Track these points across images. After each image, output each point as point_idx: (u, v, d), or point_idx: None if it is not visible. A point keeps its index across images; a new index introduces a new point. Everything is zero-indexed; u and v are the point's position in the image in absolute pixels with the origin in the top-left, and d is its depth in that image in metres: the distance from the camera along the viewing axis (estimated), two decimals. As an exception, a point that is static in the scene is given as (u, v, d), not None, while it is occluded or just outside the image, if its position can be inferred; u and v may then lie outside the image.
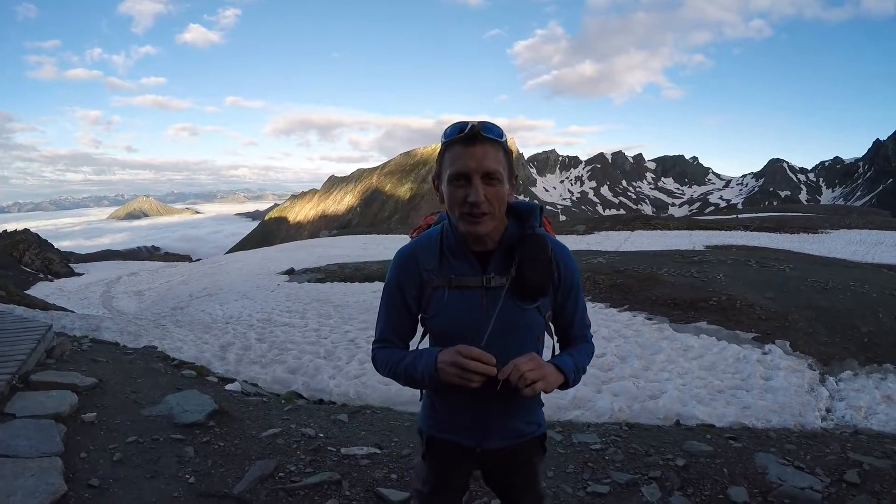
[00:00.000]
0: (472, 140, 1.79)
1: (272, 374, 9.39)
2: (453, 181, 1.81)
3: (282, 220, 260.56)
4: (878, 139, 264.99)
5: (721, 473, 4.43)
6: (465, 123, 1.81)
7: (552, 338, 2.12)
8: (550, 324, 2.08)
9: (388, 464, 4.40)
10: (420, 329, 2.11)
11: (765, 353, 10.61)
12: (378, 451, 4.64)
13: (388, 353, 2.04)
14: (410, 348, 2.09)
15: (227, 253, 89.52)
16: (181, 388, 6.03)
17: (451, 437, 2.10)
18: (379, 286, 17.69)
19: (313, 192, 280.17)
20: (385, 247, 37.24)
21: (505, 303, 1.89)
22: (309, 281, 23.01)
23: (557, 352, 2.10)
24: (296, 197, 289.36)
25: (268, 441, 4.70)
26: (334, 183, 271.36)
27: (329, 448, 4.62)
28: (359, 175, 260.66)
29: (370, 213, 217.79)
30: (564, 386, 1.92)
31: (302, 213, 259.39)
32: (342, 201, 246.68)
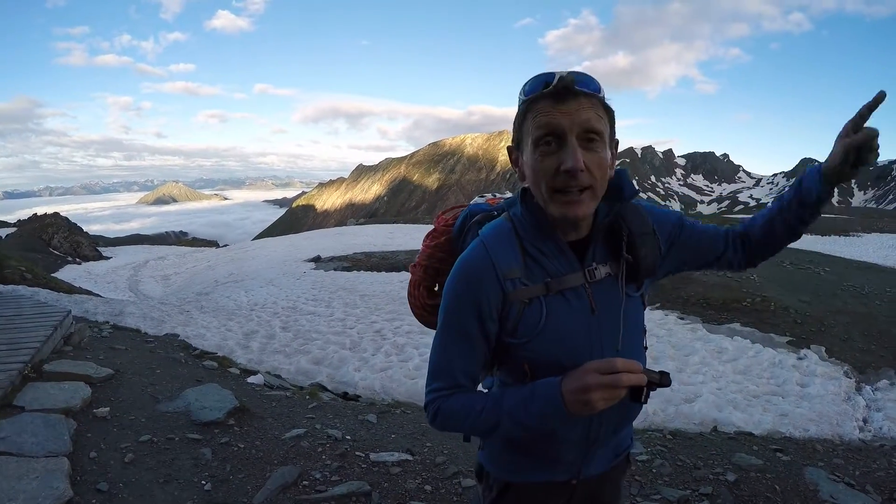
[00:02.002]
0: (564, 94, 1.36)
1: (296, 364, 9.26)
2: (541, 144, 1.37)
3: (309, 208, 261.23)
4: None
5: (773, 490, 4.22)
6: (551, 74, 1.39)
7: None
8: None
9: (422, 473, 4.15)
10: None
11: (800, 359, 10.39)
12: (410, 457, 4.39)
13: (462, 400, 1.49)
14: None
15: (253, 239, 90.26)
16: (201, 380, 5.88)
17: (542, 478, 1.64)
18: (406, 276, 17.55)
19: (341, 180, 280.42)
20: (412, 236, 37.05)
21: (615, 296, 1.50)
22: (335, 269, 22.96)
23: None
24: (323, 185, 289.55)
25: (291, 443, 4.47)
26: (362, 172, 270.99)
27: (357, 453, 4.38)
28: (386, 164, 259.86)
29: (397, 203, 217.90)
30: None
31: (329, 201, 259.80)
32: (369, 190, 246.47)
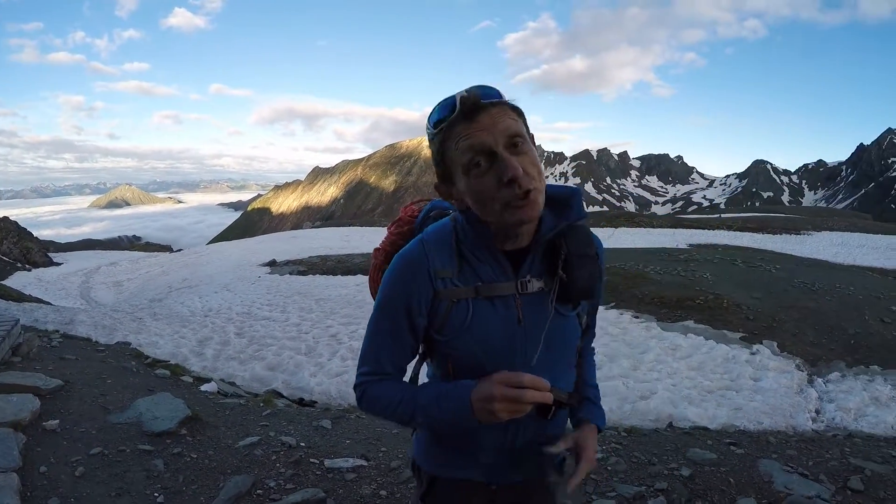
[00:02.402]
0: (474, 111, 1.36)
1: (251, 371, 9.14)
2: (472, 167, 1.37)
3: (265, 211, 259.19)
4: (861, 143, 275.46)
5: (728, 483, 4.30)
6: (452, 98, 1.39)
7: (580, 343, 1.72)
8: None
9: (377, 478, 4.11)
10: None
11: (753, 354, 10.61)
12: (365, 462, 4.35)
13: (385, 387, 1.56)
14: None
15: (208, 244, 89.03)
16: (153, 389, 5.76)
17: (462, 475, 1.68)
18: (362, 279, 17.48)
19: (297, 182, 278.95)
20: (368, 239, 36.98)
21: (545, 312, 1.51)
22: (291, 273, 22.77)
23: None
24: (279, 187, 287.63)
25: (245, 452, 4.40)
26: (318, 174, 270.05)
27: (311, 460, 4.32)
28: (343, 166, 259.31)
29: (354, 205, 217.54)
30: None
31: (285, 203, 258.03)
32: (326, 193, 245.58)
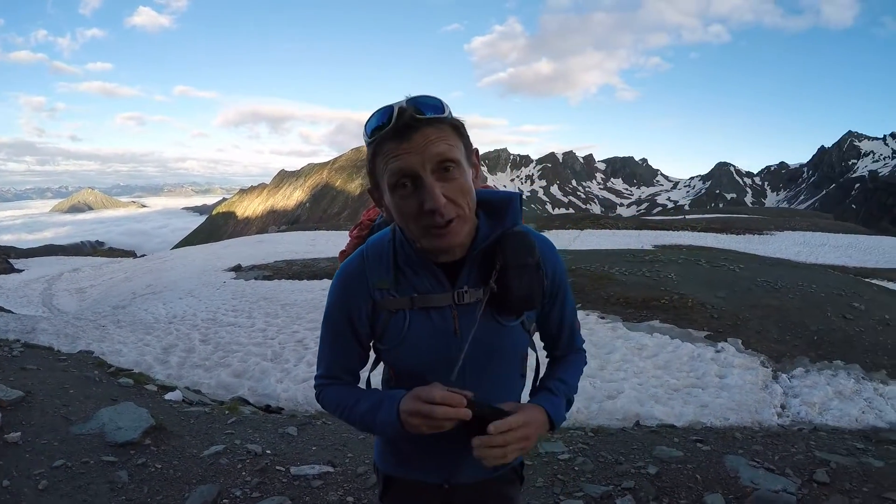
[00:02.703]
0: (406, 129, 1.31)
1: (216, 378, 9.02)
2: (397, 188, 1.34)
3: (230, 215, 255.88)
4: (822, 146, 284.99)
5: (694, 480, 4.36)
6: (389, 108, 1.34)
7: (535, 352, 1.72)
8: (534, 337, 1.69)
9: (343, 484, 4.08)
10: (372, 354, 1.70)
11: (718, 352, 10.73)
12: (331, 469, 4.32)
13: (338, 392, 1.62)
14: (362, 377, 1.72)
15: (172, 248, 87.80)
16: (116, 399, 5.65)
17: (414, 476, 1.72)
18: (328, 284, 17.40)
19: (262, 186, 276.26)
20: (334, 243, 36.67)
21: (482, 322, 1.49)
22: (256, 278, 22.55)
23: (543, 367, 1.75)
24: (244, 191, 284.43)
25: (210, 461, 4.33)
26: (284, 177, 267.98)
27: (277, 467, 4.28)
28: (309, 170, 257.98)
29: (319, 209, 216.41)
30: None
31: (250, 207, 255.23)
32: (291, 196, 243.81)
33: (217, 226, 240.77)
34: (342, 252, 1.87)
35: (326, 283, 17.55)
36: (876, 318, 13.30)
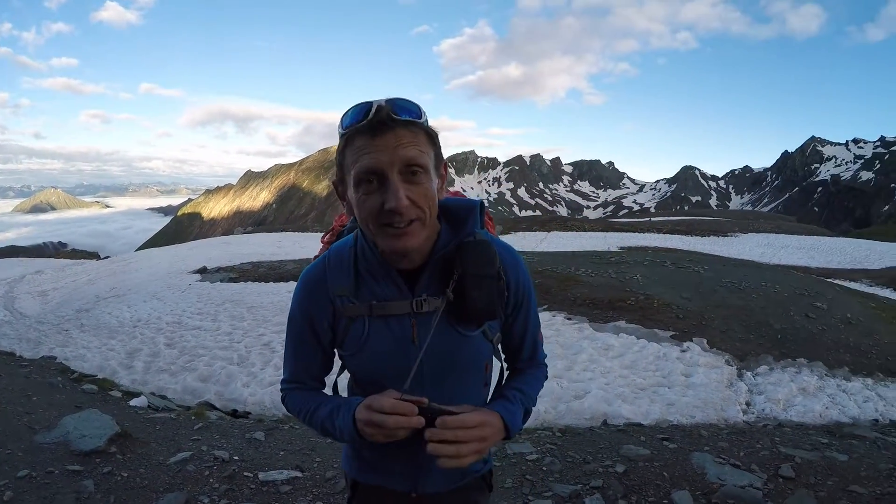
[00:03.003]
0: (381, 127, 1.33)
1: (182, 383, 8.88)
2: (362, 184, 1.35)
3: (195, 216, 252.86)
4: (786, 150, 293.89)
5: (662, 477, 4.42)
6: (367, 104, 1.35)
7: (500, 361, 1.73)
8: (499, 346, 1.67)
9: (312, 489, 4.06)
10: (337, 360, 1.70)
11: (683, 351, 10.89)
12: (300, 474, 4.29)
13: (302, 397, 1.63)
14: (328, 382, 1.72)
15: (137, 250, 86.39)
16: (81, 406, 5.57)
17: (380, 483, 1.70)
18: (294, 286, 17.29)
19: (228, 186, 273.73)
20: (301, 245, 36.40)
21: (439, 331, 1.48)
22: (222, 280, 22.27)
23: (506, 376, 1.73)
24: (210, 192, 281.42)
25: (177, 468, 4.27)
26: (250, 178, 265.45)
27: (245, 474, 4.23)
28: (276, 171, 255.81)
29: (286, 210, 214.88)
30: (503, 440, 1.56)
31: (216, 208, 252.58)
32: (258, 197, 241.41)
33: (182, 227, 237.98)
34: (315, 258, 1.83)
35: (293, 286, 17.35)
36: (838, 317, 13.65)
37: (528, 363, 1.73)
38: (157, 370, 9.86)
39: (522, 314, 1.65)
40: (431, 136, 1.41)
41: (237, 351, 10.71)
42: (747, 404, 8.80)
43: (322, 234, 1.90)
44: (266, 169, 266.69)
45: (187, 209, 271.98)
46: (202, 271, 25.79)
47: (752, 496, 4.10)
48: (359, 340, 1.52)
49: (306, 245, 34.28)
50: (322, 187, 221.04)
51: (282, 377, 1.71)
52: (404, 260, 1.47)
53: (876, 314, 14.76)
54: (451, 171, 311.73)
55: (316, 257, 1.80)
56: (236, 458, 4.54)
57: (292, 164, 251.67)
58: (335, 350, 1.63)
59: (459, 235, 1.52)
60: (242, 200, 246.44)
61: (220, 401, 7.92)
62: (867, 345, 12.22)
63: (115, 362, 10.33)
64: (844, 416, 8.50)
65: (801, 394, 9.29)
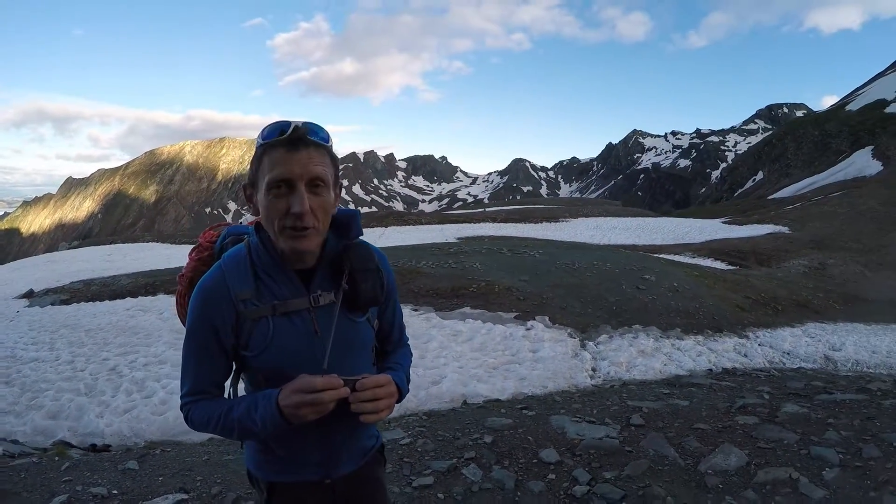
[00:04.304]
0: (297, 143, 1.58)
1: (31, 423, 8.14)
2: (273, 189, 1.58)
3: (13, 233, 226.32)
4: (610, 142, 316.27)
5: (528, 441, 4.85)
6: (286, 123, 1.59)
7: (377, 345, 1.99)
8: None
9: (202, 508, 4.01)
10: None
11: (528, 329, 11.55)
12: (185, 496, 4.22)
13: (207, 406, 1.72)
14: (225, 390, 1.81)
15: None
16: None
17: (296, 478, 1.84)
18: (132, 302, 16.22)
19: (49, 196, 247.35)
20: (133, 257, 33.63)
21: (339, 320, 1.72)
22: (53, 304, 20.34)
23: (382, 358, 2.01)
24: (28, 203, 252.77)
25: (57, 515, 4.03)
26: (72, 186, 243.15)
27: (129, 506, 4.09)
28: (99, 176, 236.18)
29: (113, 220, 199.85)
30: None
31: (37, 222, 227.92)
32: (81, 207, 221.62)
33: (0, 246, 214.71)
34: (181, 276, 1.98)
35: (130, 303, 16.34)
36: (666, 287, 15.13)
37: (397, 345, 2.04)
38: (1, 413, 9.09)
39: (392, 304, 1.97)
40: (334, 159, 1.68)
41: (83, 380, 9.96)
42: (593, 370, 9.60)
43: (191, 251, 2.01)
44: (88, 175, 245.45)
45: (3, 225, 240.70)
46: (29, 295, 23.53)
47: (610, 444, 4.64)
48: (265, 339, 1.67)
49: (139, 257, 32.00)
50: (149, 193, 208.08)
51: (181, 393, 1.76)
52: (300, 261, 1.70)
53: (700, 281, 16.50)
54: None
55: (182, 275, 1.98)
56: (115, 491, 4.38)
57: (117, 169, 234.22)
58: (236, 353, 1.74)
59: (344, 239, 1.79)
60: (65, 211, 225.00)
61: (76, 437, 7.42)
62: (694, 307, 13.69)
63: (-55, 413, 9.36)
64: (682, 369, 9.53)
65: (641, 355, 10.31)
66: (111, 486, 4.51)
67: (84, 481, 4.62)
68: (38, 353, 12.39)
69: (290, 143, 1.58)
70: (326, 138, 1.65)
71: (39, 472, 4.92)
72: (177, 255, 31.26)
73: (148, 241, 47.06)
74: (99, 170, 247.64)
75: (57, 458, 5.44)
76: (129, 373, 9.90)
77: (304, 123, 1.60)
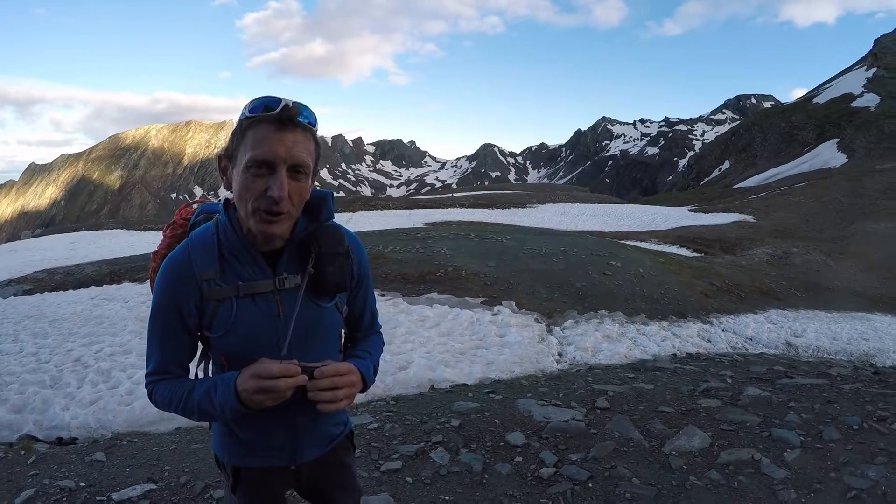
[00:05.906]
0: (285, 123, 1.51)
1: (-5, 418, 8.09)
2: (252, 167, 1.51)
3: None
4: (579, 129, 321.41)
5: (494, 424, 4.92)
6: (276, 100, 1.52)
7: (346, 330, 1.98)
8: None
9: (170, 498, 4.00)
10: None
11: (495, 315, 11.61)
12: (153, 486, 4.19)
13: (170, 386, 1.69)
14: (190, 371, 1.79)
15: None
16: None
17: (261, 463, 1.84)
18: (97, 291, 15.96)
19: (10, 183, 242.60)
20: (98, 244, 32.69)
21: (302, 304, 1.67)
22: (15, 294, 19.90)
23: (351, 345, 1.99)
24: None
25: (25, 509, 4.01)
26: (34, 172, 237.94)
27: (98, 498, 4.07)
28: (62, 162, 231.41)
29: (77, 207, 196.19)
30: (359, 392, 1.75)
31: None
32: (44, 194, 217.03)
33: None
34: (155, 252, 1.92)
35: (95, 292, 16.06)
36: (631, 273, 15.32)
37: (368, 331, 2.00)
38: (-36, 407, 8.90)
39: (363, 289, 1.91)
40: (317, 144, 1.63)
41: (48, 372, 9.80)
42: (559, 355, 9.70)
43: (165, 227, 1.97)
44: (51, 161, 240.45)
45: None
46: (-9, 286, 23.05)
47: (576, 427, 4.72)
48: (228, 320, 1.64)
49: (104, 245, 31.24)
50: (114, 178, 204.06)
51: (146, 371, 1.74)
52: (268, 243, 1.65)
53: (665, 268, 16.73)
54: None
55: (156, 252, 1.92)
56: (83, 484, 4.34)
57: (80, 154, 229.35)
58: (199, 334, 1.72)
59: (315, 222, 1.74)
60: (27, 199, 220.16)
61: (41, 430, 7.31)
62: (659, 294, 13.90)
63: None
64: (646, 354, 9.67)
65: (606, 340, 10.44)
66: (79, 478, 4.48)
67: (51, 475, 4.58)
68: (1, 345, 12.13)
69: (279, 121, 1.51)
70: (315, 122, 1.60)
71: (6, 467, 4.87)
72: (141, 242, 30.63)
73: (113, 228, 45.90)
74: (62, 155, 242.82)
75: (23, 453, 5.38)
76: (95, 363, 9.75)
77: (295, 103, 1.54)
